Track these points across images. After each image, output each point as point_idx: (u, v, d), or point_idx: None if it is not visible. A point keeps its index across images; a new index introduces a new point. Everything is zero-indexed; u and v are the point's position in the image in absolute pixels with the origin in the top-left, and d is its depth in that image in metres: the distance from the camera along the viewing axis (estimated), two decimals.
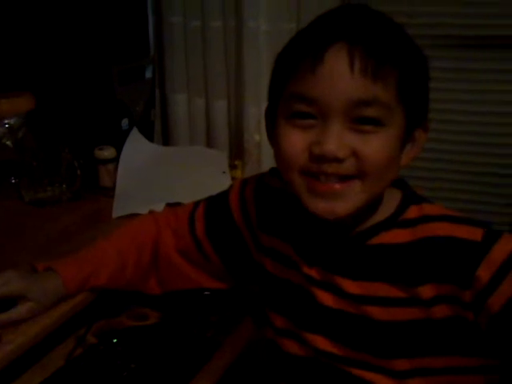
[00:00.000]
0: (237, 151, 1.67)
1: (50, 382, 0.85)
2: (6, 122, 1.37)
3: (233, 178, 1.48)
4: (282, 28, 1.52)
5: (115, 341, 0.91)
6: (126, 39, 1.51)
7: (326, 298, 0.77)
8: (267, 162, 1.60)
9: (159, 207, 1.25)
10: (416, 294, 0.71)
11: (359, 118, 0.66)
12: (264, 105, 1.63)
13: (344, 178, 0.67)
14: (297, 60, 0.67)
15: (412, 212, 0.74)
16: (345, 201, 0.68)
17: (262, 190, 0.89)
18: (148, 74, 1.62)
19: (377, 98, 0.64)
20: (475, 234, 0.69)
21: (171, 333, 0.95)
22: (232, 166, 1.54)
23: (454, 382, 0.74)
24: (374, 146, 0.66)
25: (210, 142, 1.70)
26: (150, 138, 1.63)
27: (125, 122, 1.49)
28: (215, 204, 0.95)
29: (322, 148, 0.65)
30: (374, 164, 0.66)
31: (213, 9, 1.56)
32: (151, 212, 1.06)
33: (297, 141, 0.68)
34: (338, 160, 0.66)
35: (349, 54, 0.64)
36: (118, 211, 1.26)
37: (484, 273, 0.67)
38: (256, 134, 1.62)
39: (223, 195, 0.94)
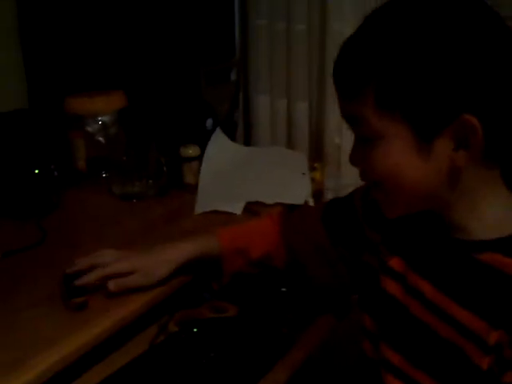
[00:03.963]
0: (317, 153, 1.68)
1: (133, 365, 0.89)
2: (100, 118, 1.44)
3: (312, 180, 1.48)
4: None
5: (195, 330, 0.95)
6: (214, 42, 1.55)
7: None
8: (347, 164, 1.58)
9: (239, 206, 1.28)
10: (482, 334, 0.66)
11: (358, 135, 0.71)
12: None
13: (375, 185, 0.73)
14: None
15: None
16: (384, 206, 0.75)
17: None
18: (233, 76, 1.66)
19: (356, 116, 0.69)
20: None
21: (248, 326, 0.98)
22: (312, 168, 1.54)
23: None
24: (373, 156, 0.69)
25: (290, 144, 1.72)
26: (233, 138, 1.66)
27: (209, 122, 1.52)
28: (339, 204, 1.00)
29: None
30: (377, 173, 0.70)
31: (298, 12, 1.59)
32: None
33: None
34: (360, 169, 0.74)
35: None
36: (199, 208, 1.30)
37: None
38: (336, 136, 1.62)
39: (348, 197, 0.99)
